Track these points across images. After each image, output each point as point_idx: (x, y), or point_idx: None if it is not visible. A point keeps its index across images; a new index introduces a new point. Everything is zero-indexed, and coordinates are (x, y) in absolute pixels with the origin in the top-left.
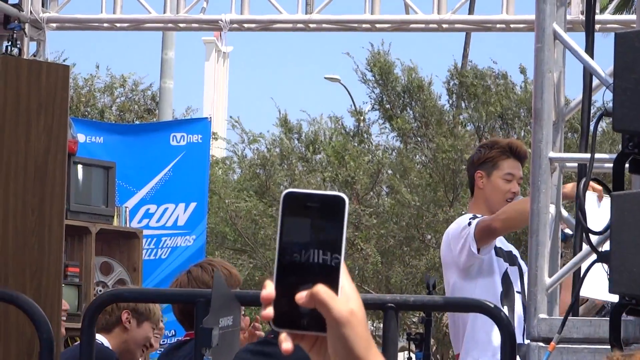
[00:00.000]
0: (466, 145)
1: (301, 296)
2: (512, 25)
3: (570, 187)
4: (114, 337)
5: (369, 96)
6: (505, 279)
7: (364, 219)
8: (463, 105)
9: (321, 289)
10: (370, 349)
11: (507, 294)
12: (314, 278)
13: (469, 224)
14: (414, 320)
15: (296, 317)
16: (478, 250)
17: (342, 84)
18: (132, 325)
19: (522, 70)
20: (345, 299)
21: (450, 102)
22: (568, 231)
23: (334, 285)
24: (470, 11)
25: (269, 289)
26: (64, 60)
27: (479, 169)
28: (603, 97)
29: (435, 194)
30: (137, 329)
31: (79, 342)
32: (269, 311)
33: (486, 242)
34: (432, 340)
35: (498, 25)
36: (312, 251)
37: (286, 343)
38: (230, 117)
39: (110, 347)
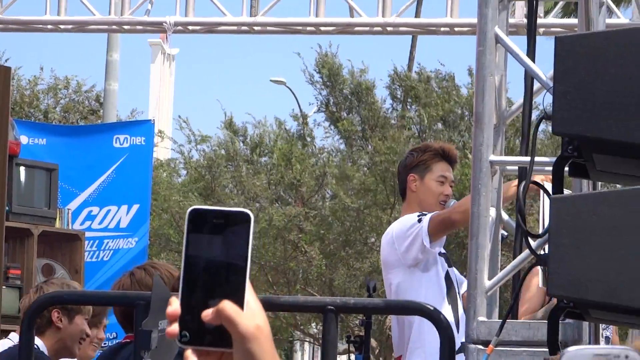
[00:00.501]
0: (404, 147)
1: (207, 313)
2: (456, 29)
3: (507, 187)
4: (48, 339)
5: (316, 98)
6: (448, 279)
7: (308, 222)
8: (408, 107)
9: (227, 305)
10: None
11: (450, 293)
12: (219, 294)
13: (419, 220)
14: (356, 322)
15: (202, 333)
16: (430, 244)
17: (287, 87)
18: (64, 323)
19: (471, 73)
20: (251, 314)
21: (394, 105)
22: (504, 232)
23: (239, 300)
24: (417, 14)
25: (174, 305)
26: (6, 61)
27: (412, 172)
28: (543, 101)
29: (376, 197)
30: (69, 325)
31: (14, 343)
32: (174, 328)
33: (440, 236)
34: (374, 343)
35: (442, 29)
36: (218, 267)
37: (191, 359)
38: (179, 116)
39: (46, 349)
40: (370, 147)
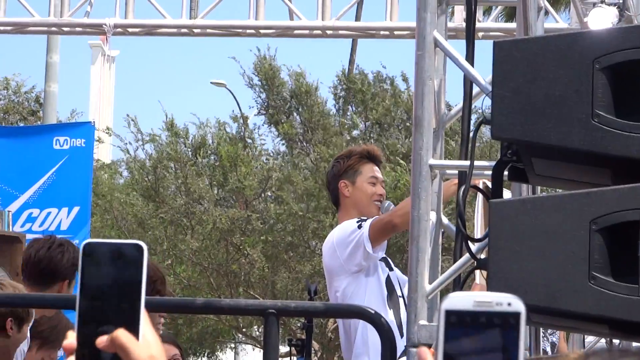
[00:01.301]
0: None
1: (102, 340)
2: (396, 32)
3: (446, 187)
4: None
5: (255, 101)
6: (389, 283)
7: (251, 225)
8: (350, 110)
9: (121, 333)
10: None
11: (391, 297)
12: (114, 324)
13: (360, 226)
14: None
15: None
16: (372, 248)
17: (228, 89)
18: (14, 331)
19: (405, 78)
20: (146, 344)
21: (337, 107)
22: None
23: (134, 330)
24: (357, 18)
25: (71, 338)
26: None
27: (342, 179)
28: (482, 105)
29: (319, 202)
30: (17, 334)
31: None
32: None
33: (382, 240)
34: (317, 346)
35: (382, 32)
36: (113, 298)
37: None
38: (127, 115)
39: None
40: (311, 150)
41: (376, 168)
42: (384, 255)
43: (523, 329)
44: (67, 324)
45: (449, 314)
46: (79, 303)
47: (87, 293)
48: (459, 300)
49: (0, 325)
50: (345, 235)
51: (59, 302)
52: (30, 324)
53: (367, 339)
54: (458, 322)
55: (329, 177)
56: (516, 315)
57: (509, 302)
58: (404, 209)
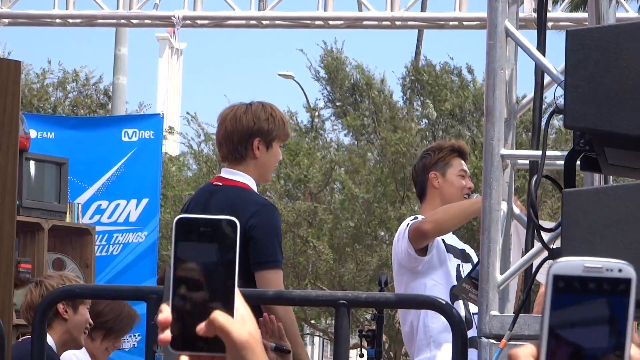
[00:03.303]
0: (414, 139)
1: (201, 327)
2: (464, 23)
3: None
4: (56, 332)
5: (322, 93)
6: (459, 275)
7: (318, 216)
8: (419, 101)
9: (219, 315)
10: None
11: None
12: (208, 301)
13: (408, 225)
14: (366, 317)
15: (193, 339)
16: (417, 251)
17: (295, 81)
18: (70, 314)
19: (470, 70)
20: (241, 322)
21: (405, 98)
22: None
23: (229, 307)
24: (423, 8)
25: (166, 312)
26: (8, 54)
27: (432, 170)
28: (555, 94)
29: (385, 189)
30: (75, 316)
31: (28, 336)
32: (167, 335)
33: (420, 244)
34: (385, 337)
35: (451, 23)
36: (206, 274)
37: None
38: (187, 112)
39: (54, 342)
40: (376, 140)
41: (463, 162)
42: (462, 247)
43: (633, 296)
44: (130, 311)
45: (557, 279)
46: (173, 278)
47: (180, 269)
48: (568, 265)
49: (54, 310)
50: (402, 231)
51: (129, 293)
52: (88, 305)
53: (428, 329)
54: (566, 287)
55: (417, 168)
56: (627, 282)
57: (620, 268)
58: (436, 214)
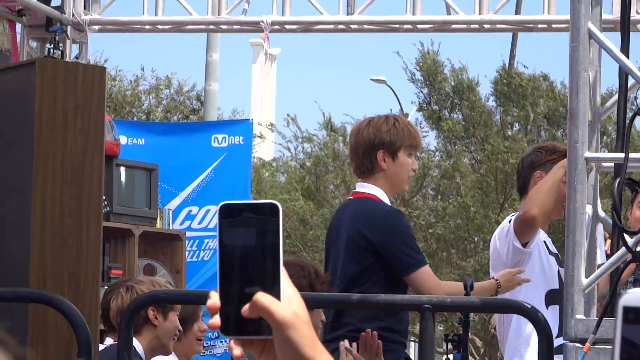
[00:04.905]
0: (521, 148)
1: (245, 309)
2: (554, 26)
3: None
4: (144, 338)
5: (417, 96)
6: (560, 280)
7: (413, 222)
8: (511, 106)
9: (261, 297)
10: (316, 348)
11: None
12: (255, 283)
13: (510, 221)
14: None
15: (242, 323)
16: (523, 245)
17: (388, 85)
18: (160, 320)
19: (545, 77)
20: (287, 302)
21: (498, 102)
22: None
23: (275, 289)
24: (517, 11)
25: (214, 298)
26: (104, 62)
27: (539, 170)
28: (637, 97)
29: (486, 196)
30: (164, 322)
31: (115, 342)
32: (216, 320)
33: (528, 235)
34: (479, 342)
35: (540, 26)
36: (252, 258)
37: (236, 349)
38: (287, 115)
39: (142, 348)
40: (472, 145)
41: None
42: (556, 252)
43: None
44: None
45: (627, 310)
46: (220, 264)
47: (226, 254)
48: (638, 297)
49: (144, 316)
50: (503, 232)
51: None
52: (178, 312)
53: (521, 332)
54: (636, 319)
55: (524, 162)
56: None
57: None
58: (532, 198)
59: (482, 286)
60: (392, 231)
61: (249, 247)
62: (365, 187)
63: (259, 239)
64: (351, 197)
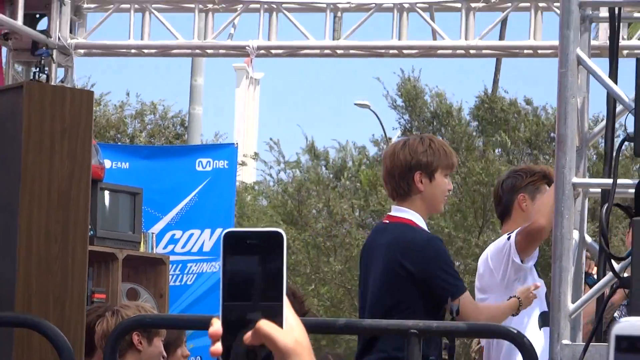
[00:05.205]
0: (497, 169)
1: (247, 336)
2: (539, 51)
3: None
4: None
5: (399, 122)
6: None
7: None
8: (491, 130)
9: (263, 324)
10: None
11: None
12: (257, 311)
13: (508, 238)
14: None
15: (244, 350)
16: (522, 261)
17: (372, 110)
18: (144, 345)
19: (528, 102)
20: (289, 330)
21: (480, 127)
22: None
23: (278, 317)
24: (502, 37)
25: (216, 326)
26: (91, 86)
27: (522, 192)
28: (625, 122)
29: (465, 220)
30: (149, 347)
31: None
32: (218, 347)
33: (531, 249)
34: None
35: (526, 51)
36: (255, 286)
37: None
38: (270, 139)
39: None
40: (457, 169)
41: None
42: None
43: None
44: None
45: (620, 339)
46: (222, 291)
47: (229, 282)
48: (630, 326)
49: (128, 340)
50: (499, 249)
51: (200, 322)
52: (163, 337)
53: (512, 357)
54: (629, 348)
55: (504, 187)
56: None
57: None
58: (540, 211)
59: (508, 306)
60: (432, 260)
61: (252, 275)
62: (402, 212)
63: (262, 267)
64: (387, 221)
